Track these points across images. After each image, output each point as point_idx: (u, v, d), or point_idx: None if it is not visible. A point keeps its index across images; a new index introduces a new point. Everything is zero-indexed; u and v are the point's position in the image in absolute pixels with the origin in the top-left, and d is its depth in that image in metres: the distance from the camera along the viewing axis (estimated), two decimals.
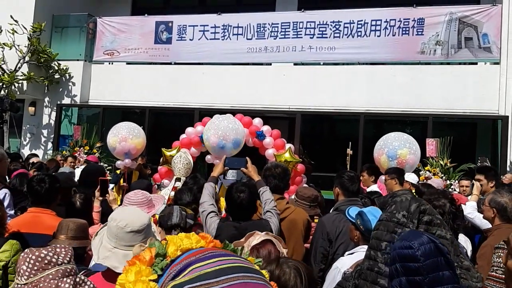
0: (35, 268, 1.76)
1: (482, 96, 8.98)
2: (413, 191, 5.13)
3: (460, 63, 9.46)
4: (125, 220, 2.13)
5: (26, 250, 1.83)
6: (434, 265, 1.59)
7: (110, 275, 2.14)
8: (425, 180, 7.05)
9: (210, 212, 3.20)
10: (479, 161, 7.92)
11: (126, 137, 7.01)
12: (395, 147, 6.40)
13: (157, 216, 3.32)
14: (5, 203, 3.87)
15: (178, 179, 5.36)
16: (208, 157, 7.14)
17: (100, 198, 4.00)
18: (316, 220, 4.29)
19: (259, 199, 3.34)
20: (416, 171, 7.42)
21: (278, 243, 2.27)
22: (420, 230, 1.90)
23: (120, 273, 1.98)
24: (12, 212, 3.91)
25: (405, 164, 6.23)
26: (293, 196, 4.65)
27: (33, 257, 1.77)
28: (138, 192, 3.62)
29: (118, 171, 7.40)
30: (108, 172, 7.47)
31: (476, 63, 9.41)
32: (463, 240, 3.79)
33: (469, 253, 3.79)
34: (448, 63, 9.46)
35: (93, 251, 2.21)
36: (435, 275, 1.59)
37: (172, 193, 4.61)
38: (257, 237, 2.24)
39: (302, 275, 1.81)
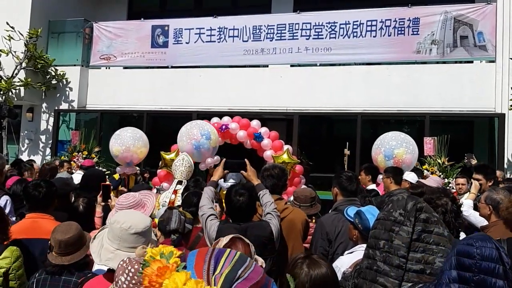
0: (133, 281, 1.71)
1: (478, 94, 9.03)
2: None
3: (456, 62, 9.50)
4: (129, 222, 2.16)
5: (125, 259, 1.76)
6: (490, 269, 1.58)
7: (112, 276, 2.16)
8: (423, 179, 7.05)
9: (209, 215, 3.21)
10: (465, 158, 7.93)
11: (130, 148, 7.03)
12: (391, 146, 6.43)
13: (156, 220, 3.32)
14: (7, 210, 3.88)
15: (179, 182, 5.35)
16: (201, 166, 7.13)
17: (102, 204, 4.01)
18: (313, 220, 4.32)
19: (259, 201, 3.36)
20: (416, 170, 7.44)
21: (244, 238, 2.30)
22: (418, 228, 1.93)
23: None
24: (13, 218, 3.92)
25: (402, 164, 6.26)
26: (291, 198, 4.67)
27: (132, 270, 1.71)
28: (127, 195, 3.62)
29: (115, 176, 7.42)
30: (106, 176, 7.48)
31: (471, 62, 9.46)
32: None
33: None
34: (444, 62, 9.51)
35: (93, 254, 2.22)
36: (486, 278, 1.57)
37: (173, 196, 4.62)
38: (224, 239, 2.26)
39: (310, 283, 1.86)
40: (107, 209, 4.20)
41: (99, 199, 4.07)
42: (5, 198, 3.96)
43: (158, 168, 7.35)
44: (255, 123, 7.64)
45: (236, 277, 1.13)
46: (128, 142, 7.07)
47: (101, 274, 2.50)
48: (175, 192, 5.08)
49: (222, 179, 3.78)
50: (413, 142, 6.66)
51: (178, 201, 4.59)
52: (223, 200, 4.03)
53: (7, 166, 6.65)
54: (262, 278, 1.18)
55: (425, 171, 8.04)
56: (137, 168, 7.71)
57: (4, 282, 2.99)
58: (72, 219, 3.40)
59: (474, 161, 7.71)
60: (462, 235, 3.75)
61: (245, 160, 3.57)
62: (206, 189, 3.48)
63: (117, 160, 7.25)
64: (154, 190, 6.68)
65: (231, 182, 3.70)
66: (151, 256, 1.26)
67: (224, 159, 3.72)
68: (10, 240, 3.30)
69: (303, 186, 6.55)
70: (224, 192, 5.32)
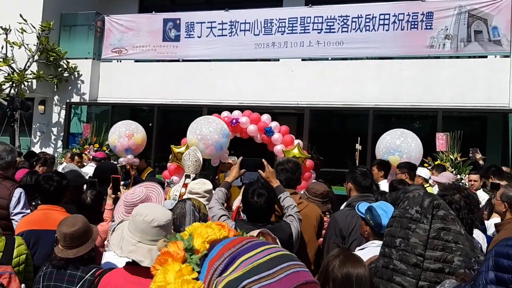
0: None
1: (492, 90, 8.90)
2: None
3: (469, 57, 9.38)
4: (152, 215, 2.17)
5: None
6: None
7: (133, 269, 2.18)
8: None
9: (221, 215, 3.11)
10: (470, 152, 7.83)
11: (123, 134, 7.21)
12: (385, 153, 6.34)
13: None
14: (21, 203, 3.91)
15: (187, 176, 5.36)
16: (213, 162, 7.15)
17: (113, 196, 4.01)
18: (327, 215, 4.28)
19: (278, 202, 3.26)
20: (438, 166, 7.37)
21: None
22: (436, 226, 1.90)
23: (144, 267, 2.05)
24: (28, 211, 3.94)
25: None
26: (302, 191, 4.62)
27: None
28: (134, 190, 3.54)
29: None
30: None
31: (486, 57, 9.32)
32: (481, 237, 3.77)
33: (484, 249, 3.77)
34: (458, 57, 9.38)
35: (113, 246, 2.23)
36: None
37: (183, 190, 4.62)
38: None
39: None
40: (118, 202, 4.20)
41: (109, 191, 4.06)
42: (19, 190, 3.98)
43: (168, 161, 7.38)
44: (265, 117, 7.63)
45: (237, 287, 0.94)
46: (122, 129, 7.27)
47: (111, 267, 2.50)
48: (185, 185, 5.08)
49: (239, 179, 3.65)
50: (412, 148, 6.33)
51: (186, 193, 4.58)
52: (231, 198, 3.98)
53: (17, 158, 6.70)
54: None
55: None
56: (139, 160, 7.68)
57: (26, 267, 3.06)
58: (79, 211, 3.42)
59: (478, 156, 7.63)
60: (478, 233, 3.71)
61: (263, 160, 3.42)
62: (217, 190, 3.39)
63: (117, 152, 7.38)
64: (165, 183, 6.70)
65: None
66: (180, 235, 1.14)
67: (241, 158, 3.60)
68: (23, 230, 3.35)
69: (314, 181, 6.53)
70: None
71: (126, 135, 7.22)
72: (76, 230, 2.61)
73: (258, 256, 0.98)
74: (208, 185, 3.92)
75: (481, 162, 7.53)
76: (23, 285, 2.86)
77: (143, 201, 3.39)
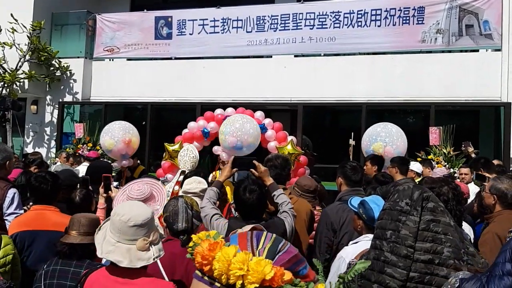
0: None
1: (484, 83, 8.95)
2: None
3: (461, 51, 9.42)
4: (128, 215, 2.14)
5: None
6: None
7: (113, 269, 2.17)
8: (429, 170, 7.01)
9: (213, 214, 3.12)
10: (462, 146, 7.88)
11: (121, 139, 7.01)
12: (368, 143, 6.42)
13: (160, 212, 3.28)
14: (15, 203, 3.88)
15: (182, 173, 5.35)
16: (215, 148, 7.15)
17: (105, 195, 3.99)
18: (318, 209, 4.30)
19: (270, 196, 3.26)
20: (425, 161, 7.41)
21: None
22: (426, 218, 1.91)
23: (124, 267, 2.05)
24: (21, 211, 3.91)
25: (385, 157, 6.21)
26: (292, 187, 4.63)
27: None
28: (140, 186, 3.57)
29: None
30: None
31: (477, 50, 9.36)
32: (467, 229, 3.80)
33: (472, 241, 3.80)
34: (449, 51, 9.42)
35: (97, 245, 2.22)
36: None
37: (177, 188, 4.62)
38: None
39: None
40: (110, 201, 4.18)
41: (101, 190, 4.05)
42: (13, 191, 3.94)
43: (162, 159, 7.37)
44: (259, 114, 7.64)
45: (277, 250, 1.28)
46: (119, 134, 7.07)
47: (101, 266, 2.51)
48: (178, 183, 5.08)
49: (232, 178, 3.64)
50: (393, 132, 6.49)
51: (181, 192, 4.57)
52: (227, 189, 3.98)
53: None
54: (298, 253, 1.32)
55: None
56: (132, 160, 7.62)
57: (14, 267, 3.04)
58: (69, 210, 3.42)
59: (470, 149, 7.70)
60: (465, 225, 3.74)
61: (254, 161, 3.39)
62: (208, 189, 3.39)
63: (112, 155, 7.23)
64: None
65: None
66: (199, 238, 1.37)
67: (233, 157, 3.59)
68: (17, 231, 3.33)
69: (306, 176, 6.54)
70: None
71: (125, 141, 7.00)
72: (90, 217, 2.80)
73: (269, 235, 1.33)
74: (203, 184, 3.93)
75: (473, 155, 7.59)
76: None
77: (146, 199, 3.41)
